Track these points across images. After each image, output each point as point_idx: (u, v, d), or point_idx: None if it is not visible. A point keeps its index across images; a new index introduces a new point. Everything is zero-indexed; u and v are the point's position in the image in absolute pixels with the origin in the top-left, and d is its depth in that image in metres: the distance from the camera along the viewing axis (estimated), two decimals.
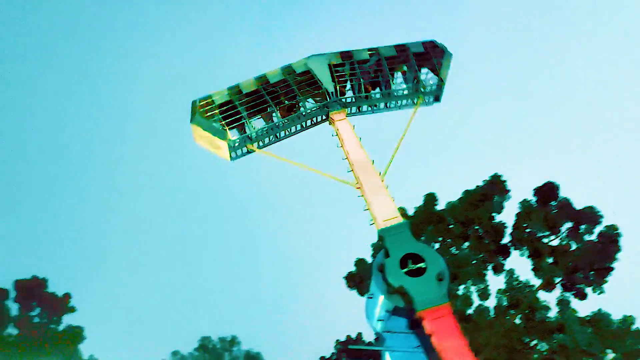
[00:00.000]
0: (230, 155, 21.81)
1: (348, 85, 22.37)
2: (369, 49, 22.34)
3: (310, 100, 22.26)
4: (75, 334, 50.82)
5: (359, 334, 52.67)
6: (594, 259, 36.37)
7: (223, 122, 21.47)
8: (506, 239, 39.35)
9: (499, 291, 38.55)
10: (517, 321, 37.43)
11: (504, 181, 39.78)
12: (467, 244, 39.14)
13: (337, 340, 54.69)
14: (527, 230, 38.68)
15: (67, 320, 52.18)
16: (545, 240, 38.40)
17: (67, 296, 52.22)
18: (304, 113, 22.12)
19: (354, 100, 22.42)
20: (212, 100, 21.63)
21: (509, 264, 39.20)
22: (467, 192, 39.87)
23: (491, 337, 36.23)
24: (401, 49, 22.32)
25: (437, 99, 22.58)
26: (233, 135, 21.64)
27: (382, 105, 22.72)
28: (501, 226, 39.34)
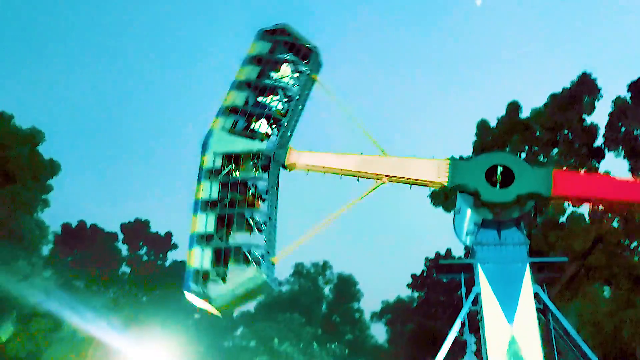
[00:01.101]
0: None
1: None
2: None
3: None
4: (180, 268, 54.77)
5: (448, 250, 53.04)
6: None
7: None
8: (599, 141, 37.25)
9: None
10: (615, 225, 35.92)
11: (594, 79, 37.13)
12: (556, 150, 37.40)
13: (427, 258, 55.48)
14: (623, 129, 36.29)
15: (172, 256, 56.44)
16: None
17: (169, 235, 56.10)
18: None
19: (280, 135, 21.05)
20: None
21: (603, 166, 37.30)
22: (553, 95, 37.63)
23: (587, 242, 35.15)
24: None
25: (317, 64, 22.32)
26: None
27: (295, 111, 21.52)
28: (593, 128, 37.14)
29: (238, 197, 19.02)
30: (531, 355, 17.52)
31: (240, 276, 17.92)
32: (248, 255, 18.17)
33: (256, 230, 18.86)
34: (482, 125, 39.49)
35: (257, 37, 22.29)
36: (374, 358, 57.95)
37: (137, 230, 55.78)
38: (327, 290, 63.77)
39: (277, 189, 19.85)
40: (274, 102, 20.80)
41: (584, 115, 37.24)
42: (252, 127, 20.47)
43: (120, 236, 55.06)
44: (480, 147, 38.65)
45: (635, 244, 35.85)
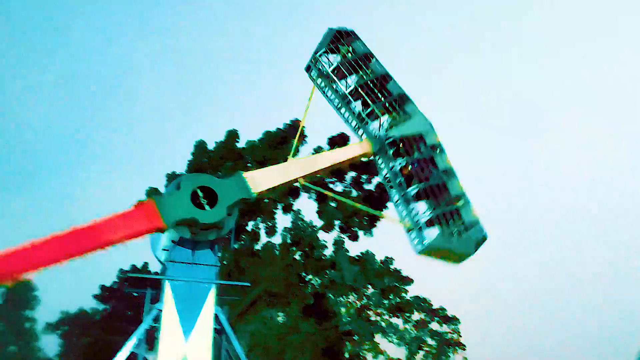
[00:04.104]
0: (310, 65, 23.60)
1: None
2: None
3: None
4: None
5: (145, 264, 51.75)
6: (369, 206, 40.61)
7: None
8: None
9: (285, 229, 41.03)
10: (297, 257, 40.46)
11: (303, 127, 41.65)
12: None
13: (121, 269, 53.06)
14: (318, 175, 41.34)
15: None
16: (332, 185, 41.58)
17: None
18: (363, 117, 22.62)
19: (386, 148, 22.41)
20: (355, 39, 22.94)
21: (297, 204, 41.78)
22: (267, 132, 40.96)
23: (273, 270, 38.60)
24: None
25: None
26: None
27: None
28: None
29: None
30: None
31: None
32: None
33: None
34: (200, 146, 40.51)
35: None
36: None
37: None
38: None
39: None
40: None
41: (289, 156, 41.27)
42: None
43: None
44: (195, 167, 39.46)
45: (310, 277, 40.91)
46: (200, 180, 19.11)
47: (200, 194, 18.76)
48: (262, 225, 40.82)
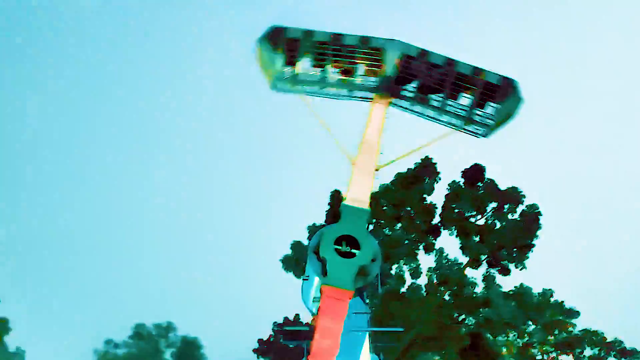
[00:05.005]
0: (273, 84, 21.90)
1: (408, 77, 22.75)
2: (447, 58, 22.42)
3: (368, 77, 22.67)
4: (0, 327, 48.71)
5: (296, 316, 53.43)
6: (516, 237, 38.43)
7: (284, 55, 21.55)
8: (436, 219, 40.84)
9: (430, 269, 40.09)
10: (447, 297, 39.12)
11: (434, 163, 41.11)
12: (399, 224, 40.29)
13: (275, 323, 55.30)
14: (456, 210, 40.27)
15: None
16: (472, 219, 40.14)
17: None
18: (358, 83, 22.47)
19: (411, 96, 22.66)
20: (286, 31, 21.74)
21: (439, 243, 40.79)
22: (399, 174, 40.95)
23: (422, 313, 37.68)
24: (477, 72, 22.36)
25: (485, 135, 23.09)
26: (283, 68, 21.75)
27: (431, 114, 22.96)
28: (432, 207, 40.74)
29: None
30: None
31: None
32: None
33: None
34: (336, 195, 41.57)
35: None
36: None
37: None
38: (168, 354, 60.19)
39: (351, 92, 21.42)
40: None
41: (424, 195, 40.83)
42: None
43: None
44: (333, 215, 40.49)
45: (462, 317, 39.21)
46: (340, 230, 19.51)
47: (343, 243, 19.07)
48: (405, 268, 40.32)
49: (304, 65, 21.48)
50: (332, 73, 21.95)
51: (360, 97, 22.56)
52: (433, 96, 22.22)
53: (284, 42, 21.97)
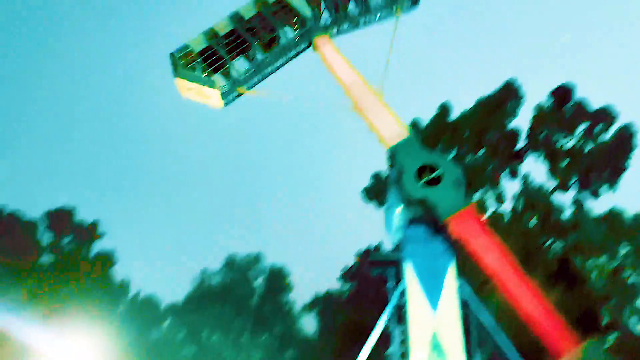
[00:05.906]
0: (224, 102, 21.68)
1: (323, 6, 22.00)
2: None
3: (289, 29, 22.03)
4: (107, 259, 52.97)
5: (379, 244, 54.36)
6: (608, 159, 36.51)
7: (207, 70, 21.16)
8: (521, 144, 39.46)
9: (515, 195, 39.17)
10: (533, 222, 38.26)
11: (518, 86, 39.26)
12: (482, 151, 39.32)
13: (358, 251, 56.59)
14: (542, 134, 38.64)
15: (99, 245, 54.40)
16: (560, 142, 38.42)
17: (94, 224, 54.02)
18: (285, 44, 21.91)
19: (333, 21, 22.08)
20: (191, 50, 21.20)
21: (524, 168, 39.58)
22: (480, 100, 39.55)
23: (508, 240, 37.18)
24: None
25: (415, 2, 22.14)
26: (220, 81, 21.36)
27: (362, 21, 22.37)
28: (516, 132, 39.30)
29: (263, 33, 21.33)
30: (452, 345, 18.52)
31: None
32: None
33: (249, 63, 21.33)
34: (414, 125, 40.91)
35: None
36: (304, 350, 58.64)
37: (61, 218, 53.47)
38: (259, 281, 63.74)
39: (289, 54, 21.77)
40: None
41: (507, 120, 39.34)
42: None
43: (42, 225, 52.50)
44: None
45: (550, 241, 38.37)
46: (422, 158, 19.69)
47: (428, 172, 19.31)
48: (489, 194, 39.63)
49: (233, 66, 21.12)
50: (259, 55, 21.27)
51: (301, 51, 21.72)
52: (351, 7, 21.67)
53: (196, 58, 21.22)
